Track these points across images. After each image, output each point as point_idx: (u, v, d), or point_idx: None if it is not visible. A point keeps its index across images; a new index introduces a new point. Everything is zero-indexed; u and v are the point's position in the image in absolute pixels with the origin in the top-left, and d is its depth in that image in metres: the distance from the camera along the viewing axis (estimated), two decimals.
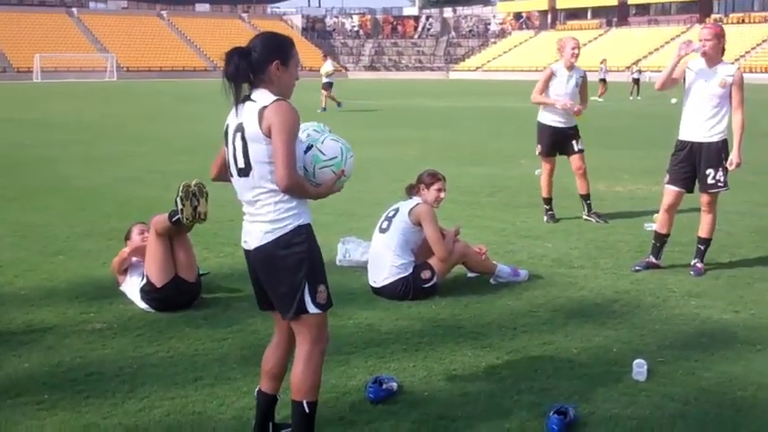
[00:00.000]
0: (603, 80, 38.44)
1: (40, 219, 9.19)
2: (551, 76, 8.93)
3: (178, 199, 5.54)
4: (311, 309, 3.57)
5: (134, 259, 6.09)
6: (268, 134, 3.44)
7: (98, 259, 7.25)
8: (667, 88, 6.99)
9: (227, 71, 3.51)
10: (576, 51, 8.89)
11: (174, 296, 5.79)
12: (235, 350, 5.06)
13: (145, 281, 5.82)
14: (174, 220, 5.62)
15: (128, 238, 6.29)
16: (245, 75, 3.53)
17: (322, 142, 3.69)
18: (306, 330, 3.63)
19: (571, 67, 8.93)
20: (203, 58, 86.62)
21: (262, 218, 3.55)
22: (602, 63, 40.40)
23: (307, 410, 3.65)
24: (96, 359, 4.92)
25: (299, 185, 3.50)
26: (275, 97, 3.49)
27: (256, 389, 3.95)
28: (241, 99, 3.54)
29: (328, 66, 29.38)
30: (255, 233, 3.57)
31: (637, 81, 40.83)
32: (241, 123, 3.51)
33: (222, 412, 4.19)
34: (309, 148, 3.67)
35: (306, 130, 3.76)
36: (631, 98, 38.89)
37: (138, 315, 5.75)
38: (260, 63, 3.52)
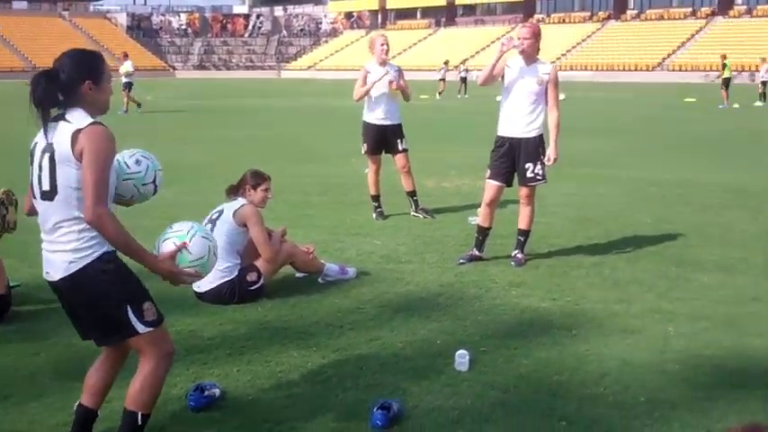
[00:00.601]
0: (443, 80, 41.04)
1: None
2: (366, 74, 9.03)
3: None
4: (141, 329, 3.41)
5: None
6: (80, 158, 3.22)
7: None
8: (489, 84, 7.18)
9: (34, 97, 3.29)
10: (384, 47, 9.02)
11: None
12: (48, 364, 4.78)
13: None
14: None
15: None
16: (55, 99, 3.33)
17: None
18: (146, 348, 3.48)
19: (383, 63, 9.05)
20: (21, 58, 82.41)
21: (63, 246, 3.32)
22: (444, 64, 43.14)
23: (139, 422, 3.52)
24: None
25: (107, 220, 3.22)
26: (91, 120, 3.29)
27: (76, 403, 3.75)
28: (51, 119, 3.33)
29: (128, 65, 27.92)
30: (58, 263, 3.34)
31: (464, 80, 42.13)
32: (51, 144, 3.28)
33: (33, 431, 3.95)
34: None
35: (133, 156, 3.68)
36: (459, 96, 40.07)
37: None
38: (71, 84, 3.33)
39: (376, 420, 3.89)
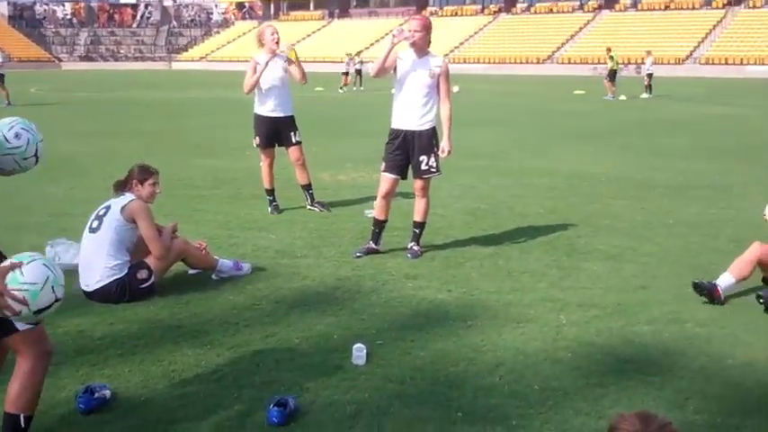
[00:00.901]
0: (347, 73, 40.80)
1: None
2: (255, 65, 8.90)
3: None
4: (20, 326, 3.29)
5: None
6: None
7: None
8: (382, 76, 7.18)
9: None
10: (275, 36, 8.91)
11: None
12: None
13: None
14: None
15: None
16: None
17: None
18: (23, 348, 3.38)
19: (273, 54, 8.94)
20: None
21: None
22: (350, 58, 42.63)
23: (22, 425, 3.44)
24: None
25: None
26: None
27: None
28: None
29: None
30: None
31: (359, 72, 42.15)
32: None
33: None
34: None
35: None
36: (354, 88, 40.08)
37: None
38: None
39: (272, 418, 3.84)
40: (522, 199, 9.95)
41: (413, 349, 4.89)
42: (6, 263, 3.10)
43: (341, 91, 38.45)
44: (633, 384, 4.40)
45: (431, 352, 4.85)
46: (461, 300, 5.92)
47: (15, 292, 3.00)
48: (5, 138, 3.48)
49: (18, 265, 3.06)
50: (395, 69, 7.06)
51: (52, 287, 3.11)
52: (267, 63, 8.77)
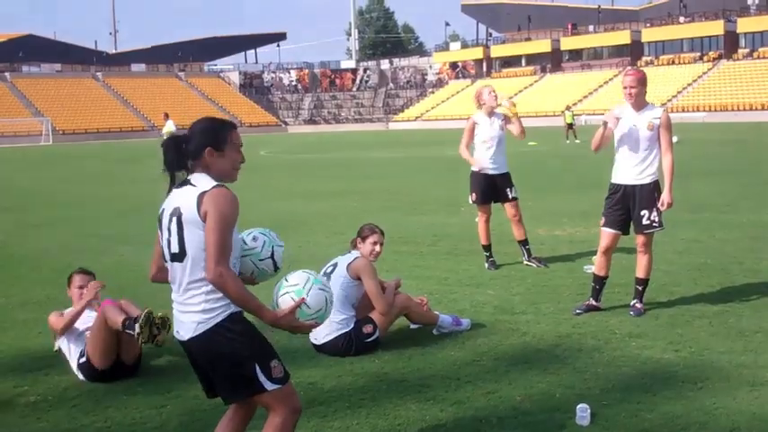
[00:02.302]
0: (572, 125, 42.01)
1: None
2: (474, 125, 9.09)
3: (137, 325, 5.36)
4: (269, 386, 3.48)
5: (77, 325, 5.90)
6: (204, 220, 3.36)
7: (33, 329, 7.04)
8: (602, 150, 7.13)
9: (165, 160, 3.51)
10: (494, 94, 9.08)
11: (112, 375, 5.61)
12: (174, 417, 4.92)
13: (84, 359, 5.64)
14: (125, 331, 5.44)
15: (69, 285, 6.14)
16: (182, 164, 3.52)
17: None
18: (274, 404, 3.55)
19: (491, 113, 9.08)
20: (141, 117, 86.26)
21: (193, 308, 3.44)
22: (567, 109, 43.86)
23: None
24: None
25: (228, 278, 3.32)
26: (215, 183, 3.44)
27: None
28: (178, 184, 3.51)
29: (170, 125, 27.45)
30: (188, 324, 3.47)
31: (570, 125, 41.74)
32: (178, 207, 3.44)
33: None
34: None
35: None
36: (568, 142, 39.68)
37: (74, 385, 5.58)
38: (194, 151, 3.51)
39: None
40: (753, 253, 9.39)
41: (639, 411, 4.73)
42: (290, 301, 3.53)
43: (569, 142, 39.23)
44: None
45: (659, 414, 4.68)
46: (690, 360, 5.66)
47: (307, 322, 3.54)
48: (244, 241, 3.74)
49: (302, 301, 3.51)
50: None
51: (331, 302, 3.70)
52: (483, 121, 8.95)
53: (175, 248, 3.45)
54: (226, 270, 3.31)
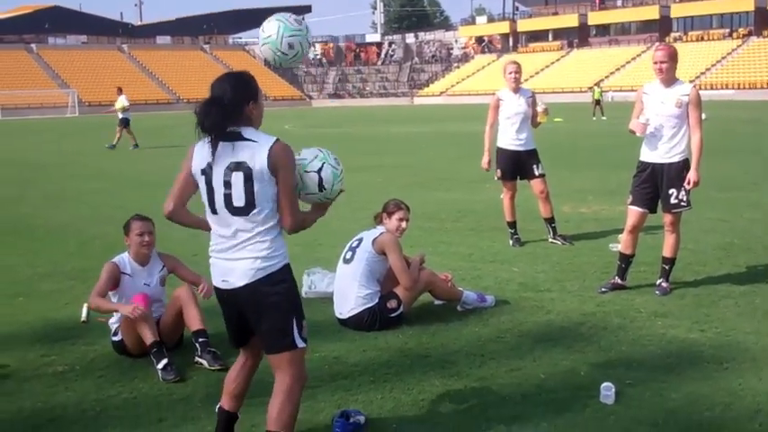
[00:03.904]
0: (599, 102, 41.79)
1: None
2: (498, 102, 9.03)
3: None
4: (299, 343, 3.66)
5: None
6: (274, 173, 3.50)
7: (60, 300, 7.12)
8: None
9: (205, 124, 3.54)
10: (512, 75, 8.99)
11: (144, 352, 5.46)
12: (200, 389, 4.97)
13: (118, 338, 5.57)
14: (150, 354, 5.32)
15: (127, 233, 5.92)
16: (227, 123, 3.55)
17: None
18: (287, 365, 3.67)
19: (517, 90, 9.01)
20: (166, 90, 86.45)
21: (254, 254, 3.56)
22: (596, 85, 43.97)
23: None
24: (58, 403, 4.80)
25: (301, 223, 3.67)
26: (272, 137, 3.55)
27: (217, 406, 4.10)
28: (226, 138, 3.54)
29: (123, 100, 27.24)
30: (243, 270, 3.57)
31: (598, 102, 41.38)
32: (242, 162, 3.51)
33: None
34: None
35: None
36: (594, 119, 39.37)
37: (101, 356, 5.63)
38: (236, 108, 3.57)
39: None
40: None
41: (664, 391, 4.71)
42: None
43: (594, 119, 39.16)
44: None
45: (683, 394, 4.66)
46: (716, 340, 5.63)
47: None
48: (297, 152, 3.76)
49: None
50: (641, 101, 6.91)
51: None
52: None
53: (240, 202, 3.55)
54: (299, 214, 3.64)
